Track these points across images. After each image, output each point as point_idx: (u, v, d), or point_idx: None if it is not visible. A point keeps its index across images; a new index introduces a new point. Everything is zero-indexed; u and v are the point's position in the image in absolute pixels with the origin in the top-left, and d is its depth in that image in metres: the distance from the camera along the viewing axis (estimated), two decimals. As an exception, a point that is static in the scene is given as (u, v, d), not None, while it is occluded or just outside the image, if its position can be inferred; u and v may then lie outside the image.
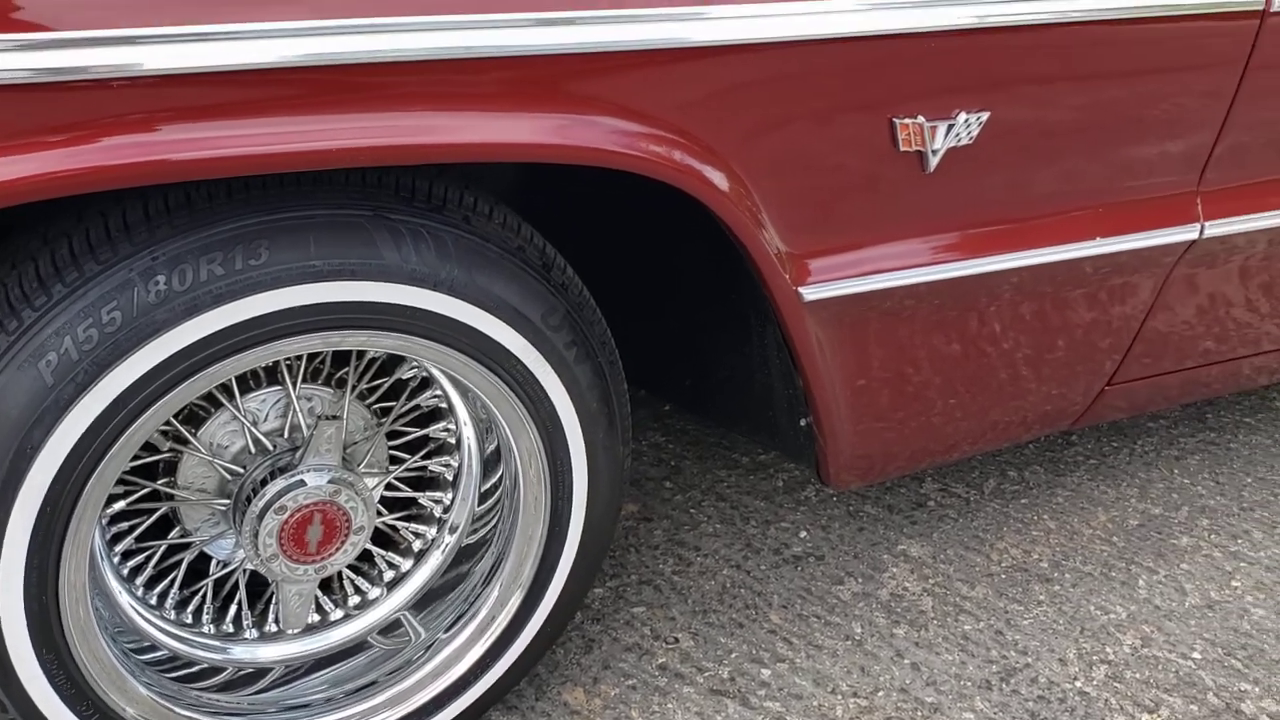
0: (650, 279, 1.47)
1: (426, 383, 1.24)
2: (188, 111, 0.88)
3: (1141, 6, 1.22)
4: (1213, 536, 1.78)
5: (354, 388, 1.19)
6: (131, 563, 1.19)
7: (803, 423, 1.36)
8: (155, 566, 1.20)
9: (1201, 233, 1.40)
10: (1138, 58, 1.26)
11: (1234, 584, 1.68)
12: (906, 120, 1.15)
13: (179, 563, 1.21)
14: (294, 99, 0.91)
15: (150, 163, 0.88)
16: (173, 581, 1.21)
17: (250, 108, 0.90)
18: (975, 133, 1.19)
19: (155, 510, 1.17)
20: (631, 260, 1.46)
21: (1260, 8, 1.29)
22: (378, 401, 1.23)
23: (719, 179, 1.08)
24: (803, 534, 1.73)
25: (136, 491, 1.14)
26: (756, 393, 1.42)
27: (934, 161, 1.18)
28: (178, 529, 1.20)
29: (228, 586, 1.25)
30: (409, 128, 0.95)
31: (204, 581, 1.23)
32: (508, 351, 1.10)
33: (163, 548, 1.20)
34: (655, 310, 1.50)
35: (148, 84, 0.86)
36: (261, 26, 0.87)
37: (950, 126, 1.17)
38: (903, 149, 1.16)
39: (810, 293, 1.18)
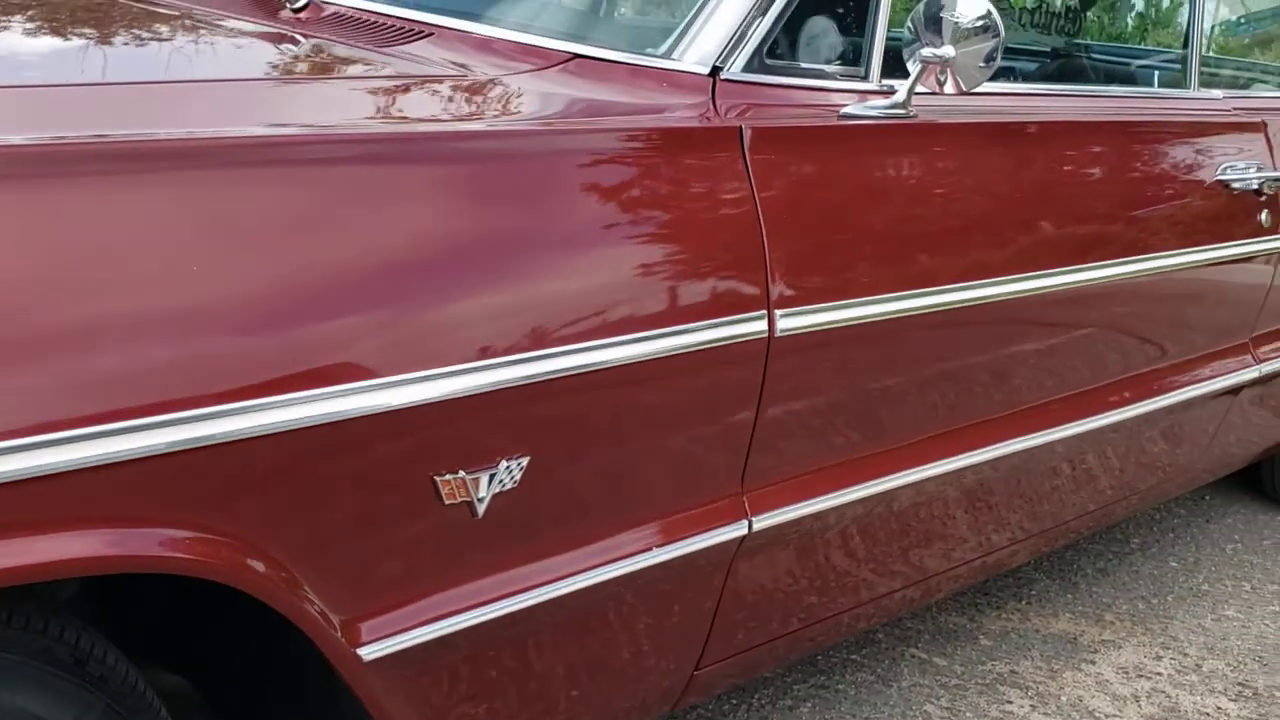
0: (234, 647, 1.44)
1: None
2: None
3: (664, 349, 1.36)
4: (823, 789, 1.88)
5: None
6: None
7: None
8: None
9: (750, 528, 1.54)
10: (667, 390, 1.39)
11: (843, 838, 1.77)
12: (448, 476, 1.21)
13: None
14: None
15: None
16: None
17: None
18: (519, 476, 1.27)
19: None
20: (218, 632, 1.43)
21: (766, 334, 1.46)
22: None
23: (261, 567, 1.09)
24: None
25: None
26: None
27: (482, 508, 1.25)
28: None
29: None
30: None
31: None
32: (33, 769, 1.04)
33: None
34: (242, 674, 1.46)
35: None
36: None
37: (493, 475, 1.25)
38: (448, 502, 1.22)
39: (369, 652, 1.20)
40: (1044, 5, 3.24)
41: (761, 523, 1.55)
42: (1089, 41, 3.28)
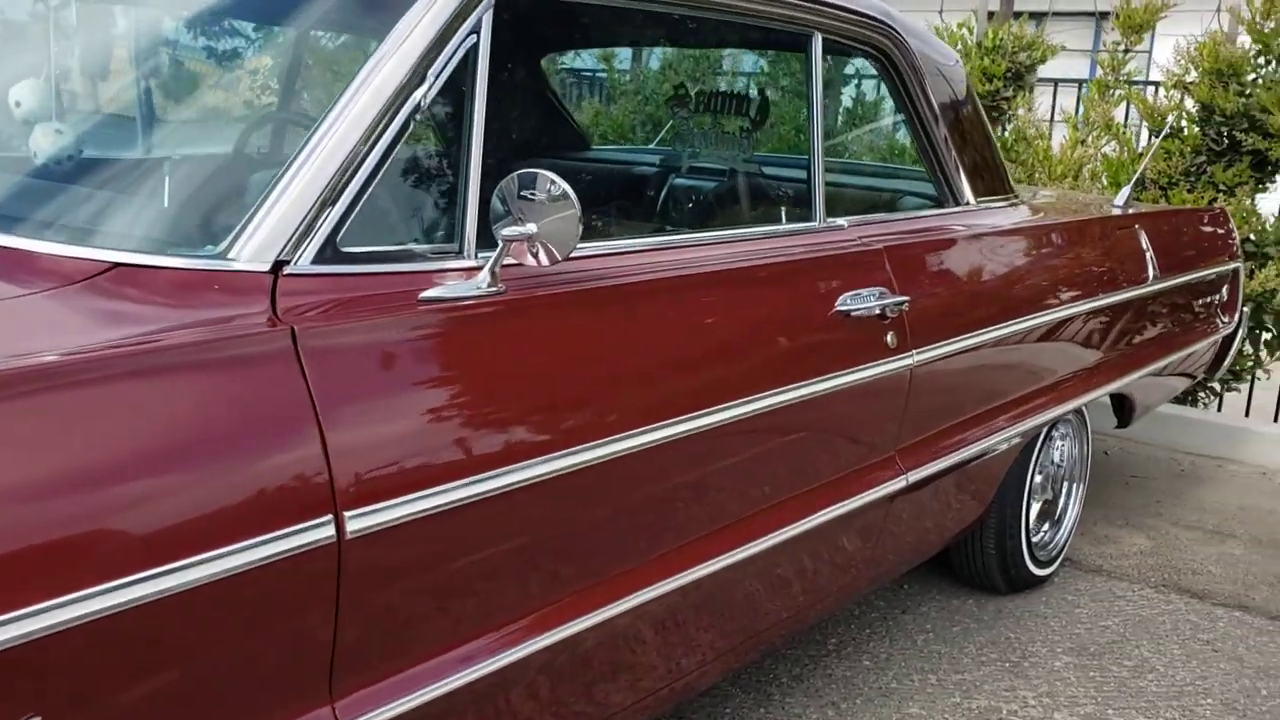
0: None
1: None
2: None
3: (208, 575, 1.29)
4: None
5: None
6: None
7: None
8: None
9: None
10: (218, 615, 1.32)
11: None
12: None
13: None
14: None
15: None
16: None
17: None
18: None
19: None
20: None
21: (335, 538, 1.42)
22: None
23: None
24: None
25: None
26: None
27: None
28: None
29: None
30: None
31: None
32: None
33: None
34: None
35: None
36: None
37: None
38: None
39: None
40: (720, 126, 3.40)
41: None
42: (762, 155, 3.45)
